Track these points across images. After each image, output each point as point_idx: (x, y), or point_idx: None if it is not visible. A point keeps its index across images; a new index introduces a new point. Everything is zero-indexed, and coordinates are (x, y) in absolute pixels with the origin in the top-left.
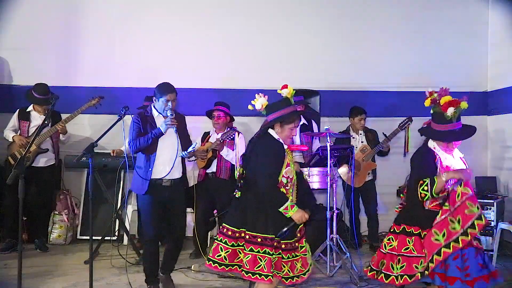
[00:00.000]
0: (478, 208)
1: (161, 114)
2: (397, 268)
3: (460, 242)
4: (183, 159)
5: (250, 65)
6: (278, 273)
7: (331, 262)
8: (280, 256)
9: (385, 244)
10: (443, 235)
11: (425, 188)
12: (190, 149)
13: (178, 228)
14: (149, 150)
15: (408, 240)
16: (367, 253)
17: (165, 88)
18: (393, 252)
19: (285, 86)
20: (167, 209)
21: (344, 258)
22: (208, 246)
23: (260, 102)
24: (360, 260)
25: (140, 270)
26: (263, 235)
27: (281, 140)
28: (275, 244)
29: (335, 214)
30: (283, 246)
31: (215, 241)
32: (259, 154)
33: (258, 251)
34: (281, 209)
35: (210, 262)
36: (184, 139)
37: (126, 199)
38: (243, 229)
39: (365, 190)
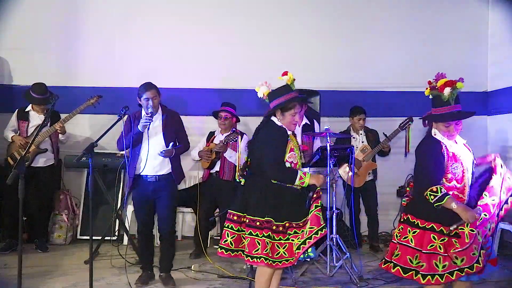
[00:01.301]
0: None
1: (146, 113)
2: (394, 255)
3: (454, 276)
4: (172, 156)
5: (250, 65)
6: (270, 258)
7: (331, 262)
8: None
9: (396, 234)
10: (444, 266)
11: (432, 197)
12: (168, 148)
13: (165, 223)
14: (133, 147)
15: (409, 230)
16: (367, 253)
17: (143, 87)
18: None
19: (285, 73)
20: (154, 205)
21: (344, 258)
22: (208, 246)
23: (262, 90)
24: (360, 260)
25: (140, 270)
26: (261, 218)
27: (284, 126)
28: (273, 227)
29: (335, 214)
30: (280, 228)
31: (224, 228)
32: (263, 142)
33: (257, 235)
34: (297, 182)
35: (218, 248)
36: (171, 136)
37: (126, 199)
38: (245, 214)
39: (365, 190)
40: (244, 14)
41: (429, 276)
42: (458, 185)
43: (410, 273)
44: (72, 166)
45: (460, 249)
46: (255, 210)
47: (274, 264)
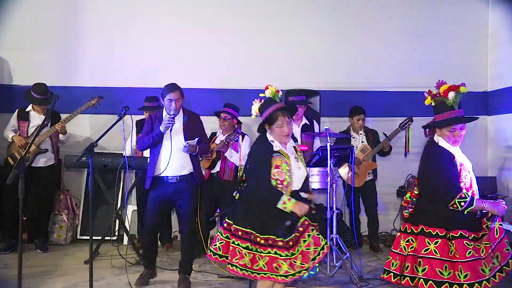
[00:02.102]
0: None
1: (168, 114)
2: (420, 271)
3: (497, 278)
4: (192, 156)
5: (250, 65)
6: (276, 274)
7: (331, 262)
8: (278, 255)
9: (404, 246)
10: (490, 270)
11: (462, 203)
12: (190, 142)
13: (185, 224)
14: (153, 147)
15: (428, 241)
16: (367, 253)
17: (167, 88)
18: (415, 254)
19: (266, 87)
20: (174, 205)
21: (344, 258)
22: (209, 246)
23: (254, 108)
24: (360, 260)
25: (140, 270)
26: (243, 229)
27: (274, 142)
28: (256, 239)
29: (335, 214)
30: (262, 242)
31: (233, 245)
32: (249, 158)
33: (238, 244)
34: (279, 206)
35: (208, 249)
36: (191, 137)
37: (126, 199)
38: (232, 223)
39: (365, 190)
40: (244, 14)
41: (476, 284)
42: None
43: (444, 285)
44: (72, 166)
45: (493, 246)
46: (239, 220)
47: (252, 275)
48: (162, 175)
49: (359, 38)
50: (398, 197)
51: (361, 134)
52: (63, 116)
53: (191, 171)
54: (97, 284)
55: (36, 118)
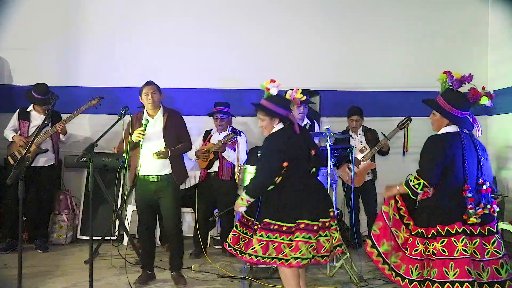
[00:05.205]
0: None
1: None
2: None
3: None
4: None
5: (250, 65)
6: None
7: (331, 262)
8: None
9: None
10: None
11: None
12: (157, 152)
13: (170, 223)
14: (131, 150)
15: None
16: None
17: (143, 85)
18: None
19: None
20: (159, 205)
21: (344, 258)
22: (208, 246)
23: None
24: (360, 260)
25: (140, 270)
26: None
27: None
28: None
29: (335, 214)
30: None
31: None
32: None
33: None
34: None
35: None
36: (172, 136)
37: (126, 199)
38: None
39: (365, 190)
40: (244, 14)
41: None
42: None
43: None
44: (72, 166)
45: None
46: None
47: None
48: (143, 174)
49: (359, 38)
50: None
51: (360, 134)
52: (64, 116)
53: (170, 171)
54: (97, 284)
55: (37, 118)
